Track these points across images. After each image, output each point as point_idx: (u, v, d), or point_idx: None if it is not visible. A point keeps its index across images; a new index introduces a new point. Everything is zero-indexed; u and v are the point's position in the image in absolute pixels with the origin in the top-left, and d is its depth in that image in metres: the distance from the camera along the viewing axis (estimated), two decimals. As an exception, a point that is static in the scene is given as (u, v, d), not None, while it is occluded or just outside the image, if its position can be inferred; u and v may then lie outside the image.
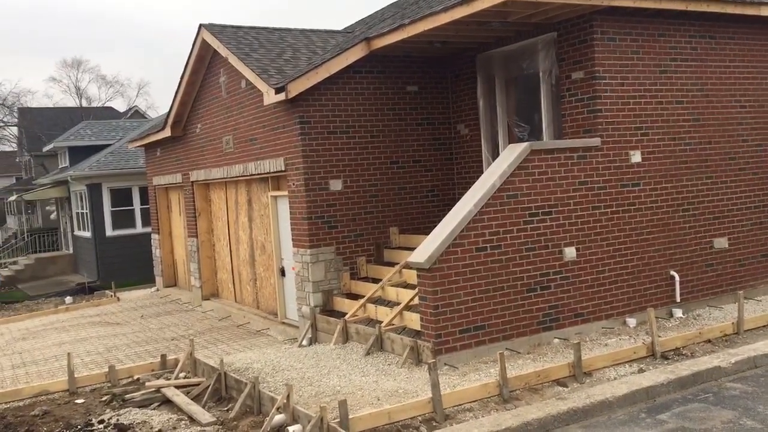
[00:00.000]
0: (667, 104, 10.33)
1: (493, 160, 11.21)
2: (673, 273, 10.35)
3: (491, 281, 8.93)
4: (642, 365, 8.22)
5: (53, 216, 34.45)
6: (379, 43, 10.96)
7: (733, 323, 9.33)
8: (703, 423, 6.53)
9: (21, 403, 9.32)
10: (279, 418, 7.33)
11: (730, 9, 10.24)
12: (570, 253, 9.53)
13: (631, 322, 9.90)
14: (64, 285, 24.26)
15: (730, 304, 10.67)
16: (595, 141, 9.73)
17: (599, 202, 9.80)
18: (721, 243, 10.88)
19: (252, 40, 13.18)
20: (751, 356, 8.22)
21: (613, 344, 9.03)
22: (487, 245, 8.90)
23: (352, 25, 16.57)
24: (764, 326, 9.56)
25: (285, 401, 7.33)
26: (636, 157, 10.09)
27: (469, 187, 9.28)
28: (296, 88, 10.73)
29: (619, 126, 9.91)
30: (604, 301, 9.82)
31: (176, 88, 15.53)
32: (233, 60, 12.45)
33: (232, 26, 13.73)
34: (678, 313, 10.27)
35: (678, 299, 10.35)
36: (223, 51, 12.87)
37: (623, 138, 9.96)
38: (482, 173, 9.54)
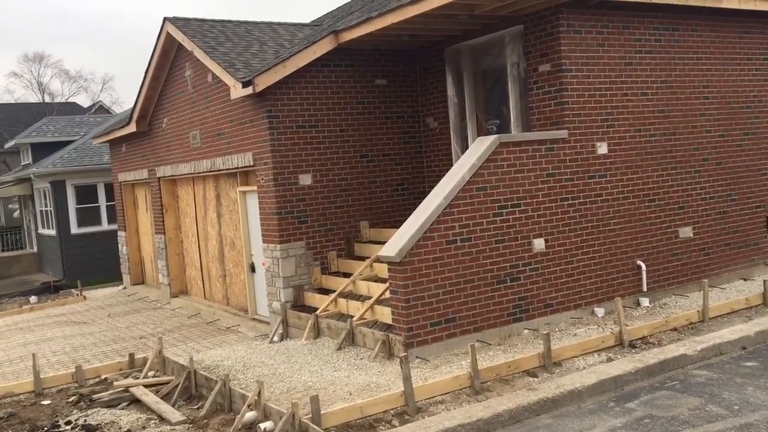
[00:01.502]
0: (633, 96, 10.46)
1: (462, 153, 11.24)
2: (639, 262, 10.50)
3: (462, 274, 8.96)
4: (610, 354, 8.33)
5: (16, 214, 33.73)
6: (347, 36, 10.90)
7: (698, 311, 9.50)
8: (670, 410, 6.64)
9: (-15, 406, 9.12)
10: (250, 415, 7.28)
11: (692, 1, 10.38)
12: (539, 244, 9.61)
13: (600, 311, 10.02)
14: (28, 284, 23.79)
15: (695, 293, 10.86)
16: (563, 133, 9.80)
17: (567, 194, 9.88)
18: (686, 232, 11.06)
19: (218, 34, 13.02)
20: (716, 343, 8.38)
21: (582, 334, 9.13)
22: (458, 238, 8.92)
23: (320, 17, 16.46)
24: (729, 314, 9.75)
25: (256, 398, 7.28)
26: (602, 148, 10.20)
27: (439, 181, 9.29)
28: (264, 82, 10.62)
29: (586, 118, 10.00)
30: (573, 292, 9.92)
31: (141, 82, 15.28)
32: (199, 53, 12.28)
33: (197, 19, 13.55)
34: (645, 302, 10.43)
35: (645, 288, 10.51)
36: (188, 44, 12.69)
37: (590, 130, 10.05)
38: (452, 166, 9.56)
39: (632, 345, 8.62)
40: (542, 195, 9.66)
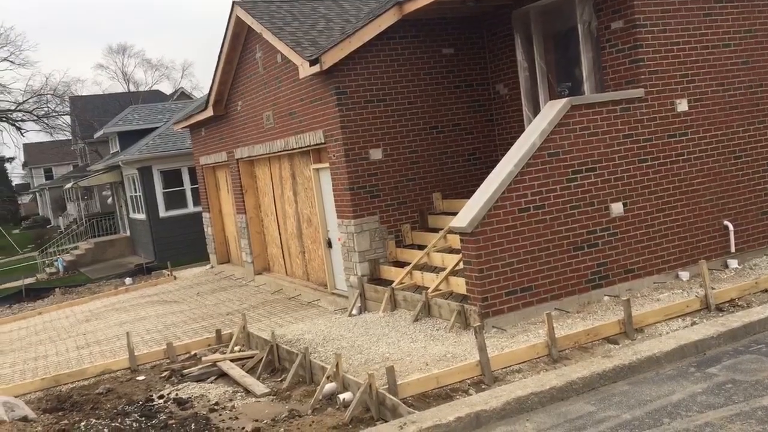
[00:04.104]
0: (714, 48, 9.93)
1: (534, 118, 10.98)
2: (726, 223, 10.05)
3: (536, 242, 8.82)
4: (695, 318, 8.04)
5: (109, 200, 35.46)
6: (412, 6, 10.78)
7: (791, 272, 9.03)
8: (754, 375, 6.36)
9: (86, 382, 9.72)
10: (330, 386, 7.47)
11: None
12: (617, 209, 9.33)
13: (684, 275, 9.67)
14: (123, 267, 25.04)
15: (788, 252, 10.32)
16: (639, 92, 9.43)
17: (645, 155, 9.53)
18: (777, 189, 10.48)
19: (285, 14, 13.16)
20: (811, 305, 7.95)
21: (666, 299, 8.85)
22: (530, 205, 8.78)
23: (385, -10, 16.34)
24: (825, 273, 9.22)
25: (335, 370, 7.45)
26: (682, 105, 9.76)
27: (511, 149, 9.14)
28: (330, 59, 10.69)
29: (663, 75, 9.58)
30: (655, 256, 9.61)
31: (215, 67, 15.67)
32: (267, 35, 12.47)
33: (265, 1, 13.73)
34: (733, 263, 9.99)
35: (733, 249, 10.06)
36: (256, 27, 12.90)
37: (668, 87, 9.63)
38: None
39: (719, 308, 8.29)
40: (619, 157, 9.35)
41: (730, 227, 10.04)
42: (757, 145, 10.33)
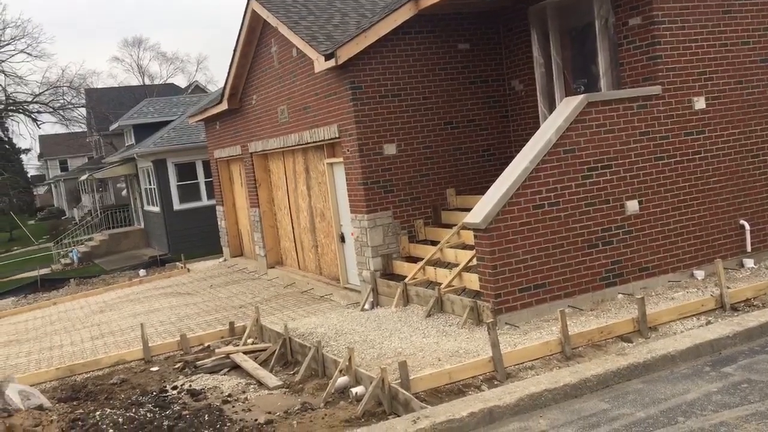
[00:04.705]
0: (732, 46, 9.83)
1: (550, 115, 10.94)
2: (743, 222, 9.97)
3: (550, 239, 8.79)
4: (710, 318, 7.99)
5: (124, 193, 35.70)
6: (428, 1, 10.74)
7: (808, 272, 8.95)
8: (772, 375, 6.33)
9: (100, 372, 9.82)
10: (342, 380, 7.49)
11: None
12: (632, 206, 9.28)
13: (699, 274, 9.61)
14: (137, 258, 25.22)
15: (805, 253, 10.22)
16: (656, 89, 9.37)
17: (662, 153, 9.47)
18: (794, 189, 10.38)
19: (300, 8, 13.17)
20: (828, 305, 7.88)
21: (680, 298, 8.80)
22: (545, 202, 8.75)
23: (401, -15, 16.31)
24: (843, 274, 9.13)
25: (347, 364, 7.47)
26: (700, 103, 9.68)
27: (526, 145, 9.11)
28: (345, 54, 10.69)
29: (681, 72, 9.50)
30: (670, 254, 9.55)
31: (230, 61, 15.71)
32: (283, 29, 12.48)
33: (281, -5, 13.72)
34: (749, 263, 9.91)
35: (749, 249, 9.98)
36: (272, 20, 12.92)
37: (685, 84, 9.55)
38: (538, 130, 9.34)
39: (734, 308, 8.23)
40: (635, 155, 9.30)
41: (747, 226, 9.96)
42: (775, 144, 10.23)
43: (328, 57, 10.77)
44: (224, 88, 16.72)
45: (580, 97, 8.95)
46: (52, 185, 65.49)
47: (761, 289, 8.61)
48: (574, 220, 8.93)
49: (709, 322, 7.85)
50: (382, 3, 13.68)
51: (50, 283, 22.46)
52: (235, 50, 15.25)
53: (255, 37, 14.74)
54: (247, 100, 16.14)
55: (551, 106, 11.42)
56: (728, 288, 8.45)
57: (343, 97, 11.34)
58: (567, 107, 8.97)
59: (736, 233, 9.97)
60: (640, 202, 9.34)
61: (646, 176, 9.38)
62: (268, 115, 14.91)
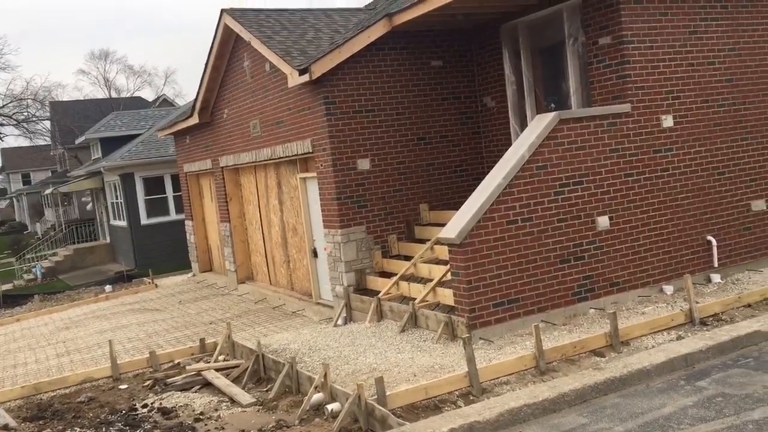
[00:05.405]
0: (699, 66, 10.08)
1: (521, 132, 11.08)
2: (709, 238, 10.17)
3: (523, 254, 8.87)
4: (680, 332, 8.12)
5: (89, 207, 35.11)
6: (402, 18, 10.84)
7: (773, 287, 9.15)
8: (743, 388, 6.44)
9: (67, 390, 9.58)
10: (317, 396, 7.43)
11: (762, -37, 9.91)
12: (603, 222, 9.42)
13: (668, 289, 9.77)
14: (103, 274, 24.78)
15: (770, 268, 10.46)
16: (625, 107, 9.55)
17: (631, 170, 9.64)
18: (758, 205, 10.64)
19: (274, 23, 13.16)
20: (793, 319, 8.06)
21: (651, 312, 8.93)
22: (518, 218, 8.83)
23: (374, 1, 16.42)
24: (806, 288, 9.35)
25: (322, 380, 7.42)
26: (668, 121, 9.89)
27: (498, 161, 9.19)
28: (320, 69, 10.70)
29: (650, 90, 9.71)
30: (640, 270, 9.69)
31: (202, 74, 15.61)
32: (256, 43, 12.46)
33: (254, 10, 13.73)
34: (716, 278, 10.11)
35: (716, 264, 10.18)
36: (245, 35, 12.88)
37: (654, 102, 9.76)
38: (510, 146, 9.44)
39: (703, 322, 8.38)
40: (605, 171, 9.45)
41: (713, 242, 10.16)
42: (740, 162, 10.49)
43: (302, 72, 10.77)
44: (195, 101, 16.59)
45: (552, 114, 9.08)
46: (14, 199, 64.13)
47: (729, 303, 8.79)
48: (547, 235, 9.02)
49: (680, 337, 7.97)
50: (355, 19, 13.75)
51: (13, 299, 21.92)
52: (206, 64, 15.15)
53: (227, 50, 14.67)
54: (219, 114, 16.04)
55: (523, 123, 11.57)
56: (697, 303, 8.60)
57: (316, 111, 11.34)
58: (540, 124, 9.08)
59: (703, 249, 10.17)
60: (610, 218, 9.48)
61: (616, 193, 9.53)
62: (240, 129, 14.83)
